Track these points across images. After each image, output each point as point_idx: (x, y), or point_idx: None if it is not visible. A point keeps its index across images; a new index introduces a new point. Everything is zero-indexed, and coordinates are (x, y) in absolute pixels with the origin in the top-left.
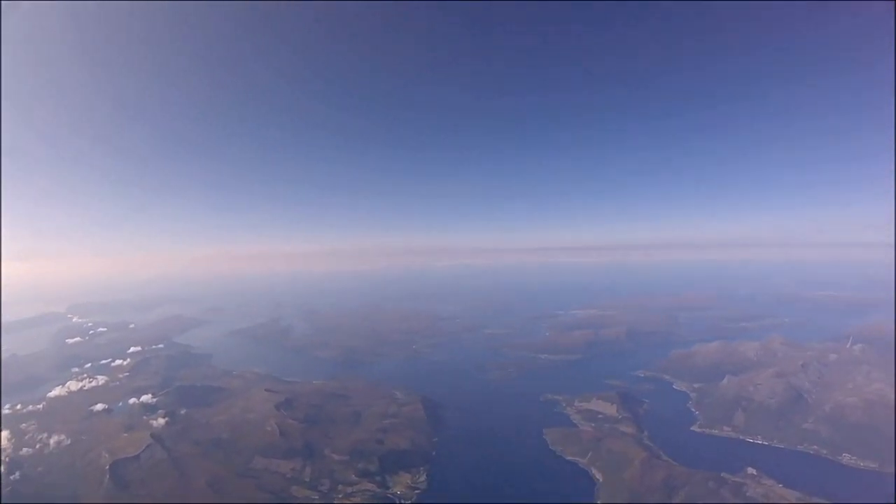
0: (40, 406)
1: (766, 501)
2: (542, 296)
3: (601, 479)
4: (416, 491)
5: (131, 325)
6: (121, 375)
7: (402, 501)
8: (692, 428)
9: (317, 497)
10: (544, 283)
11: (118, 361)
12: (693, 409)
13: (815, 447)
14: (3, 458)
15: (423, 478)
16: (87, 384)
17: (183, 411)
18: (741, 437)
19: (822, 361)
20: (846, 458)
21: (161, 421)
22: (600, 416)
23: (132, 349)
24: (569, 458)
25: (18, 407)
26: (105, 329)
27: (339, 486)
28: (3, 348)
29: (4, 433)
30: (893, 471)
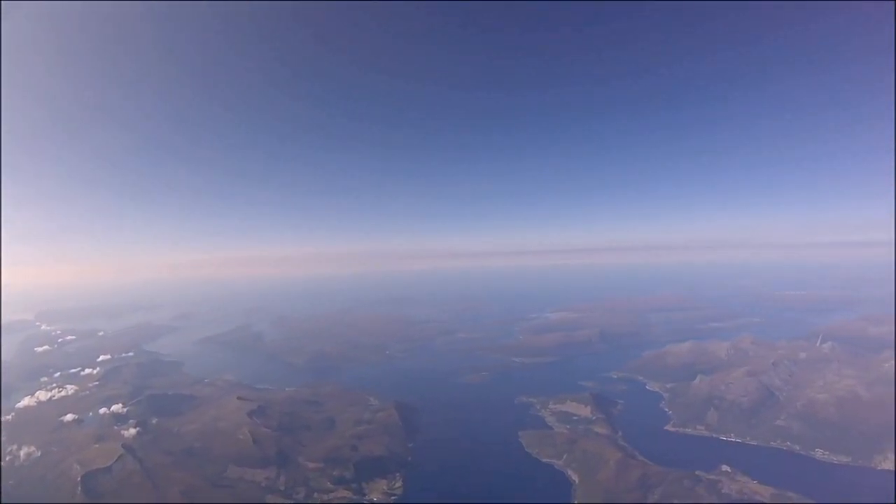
0: (9, 417)
1: (741, 498)
2: (516, 299)
3: (577, 481)
4: (393, 497)
5: (100, 333)
6: (90, 385)
7: None
8: (666, 427)
9: None
10: (517, 286)
11: (87, 370)
12: (666, 409)
13: (788, 443)
14: None
15: (398, 483)
16: (57, 394)
17: (154, 421)
18: (714, 435)
19: (792, 360)
20: (819, 454)
21: (132, 431)
22: (575, 417)
23: (101, 357)
24: (545, 460)
25: None
26: (74, 337)
27: (315, 494)
28: None
29: None
30: (867, 464)
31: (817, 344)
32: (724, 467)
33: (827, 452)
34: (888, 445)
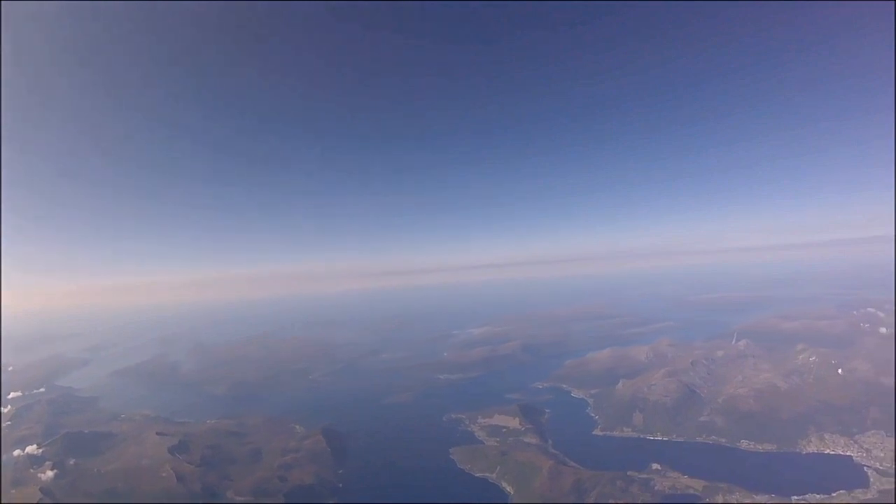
0: None
1: (673, 493)
2: (440, 317)
3: (512, 492)
4: None
5: (10, 368)
6: (2, 425)
7: None
8: (594, 432)
9: None
10: (441, 303)
11: None
12: (593, 414)
13: (714, 437)
14: None
15: None
16: None
17: (72, 461)
18: (641, 435)
19: (709, 358)
20: (744, 444)
21: (49, 473)
22: (504, 430)
23: (12, 395)
24: (478, 474)
25: None
26: None
27: None
28: None
29: None
30: (792, 450)
31: (733, 342)
32: (655, 465)
33: (752, 443)
34: (811, 430)
